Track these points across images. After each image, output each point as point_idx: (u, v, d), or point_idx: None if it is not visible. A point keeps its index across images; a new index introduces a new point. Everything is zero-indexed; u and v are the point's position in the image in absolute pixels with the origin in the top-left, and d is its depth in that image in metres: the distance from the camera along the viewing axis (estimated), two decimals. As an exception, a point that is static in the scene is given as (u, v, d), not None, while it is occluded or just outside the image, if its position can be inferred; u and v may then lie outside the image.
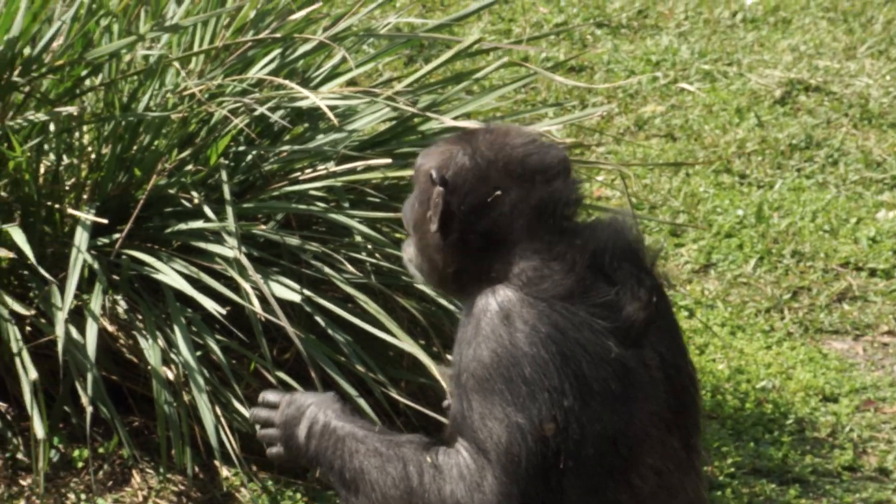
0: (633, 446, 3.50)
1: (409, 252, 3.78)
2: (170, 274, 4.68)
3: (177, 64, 5.00)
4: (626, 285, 3.59)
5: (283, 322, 4.49)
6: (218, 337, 4.76)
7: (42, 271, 4.61)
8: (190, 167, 5.05)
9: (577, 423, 3.44)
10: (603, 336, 3.50)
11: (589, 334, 3.49)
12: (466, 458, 3.57)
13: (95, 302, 4.63)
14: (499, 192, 3.59)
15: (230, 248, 4.66)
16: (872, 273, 6.50)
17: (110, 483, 4.75)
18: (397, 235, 5.11)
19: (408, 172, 5.04)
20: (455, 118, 5.18)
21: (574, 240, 3.59)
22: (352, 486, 3.62)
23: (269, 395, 3.74)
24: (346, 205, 5.01)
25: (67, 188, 4.97)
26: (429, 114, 5.20)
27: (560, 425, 3.44)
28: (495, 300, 3.51)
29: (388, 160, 5.04)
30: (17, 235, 4.62)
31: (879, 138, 7.69)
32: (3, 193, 4.85)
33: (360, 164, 5.04)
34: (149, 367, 4.65)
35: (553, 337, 3.46)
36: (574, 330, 3.48)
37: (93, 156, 5.05)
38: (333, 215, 4.91)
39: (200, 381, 4.60)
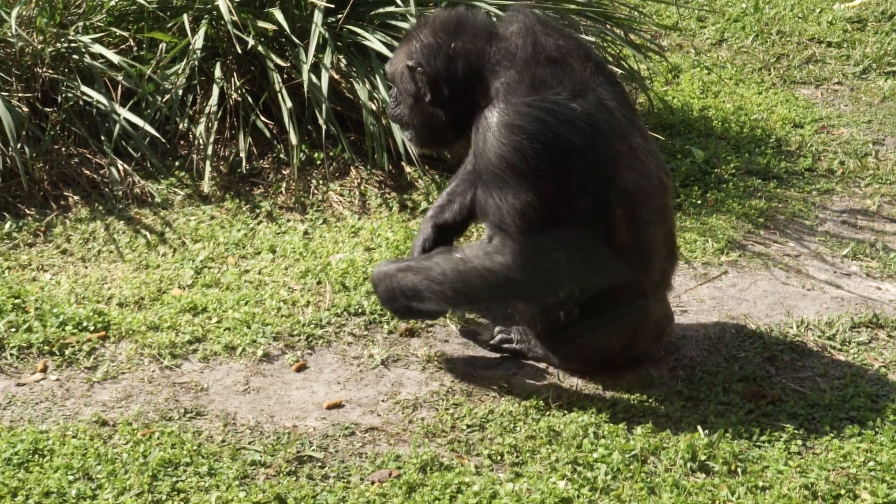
0: (615, 159, 3.37)
1: (409, 136, 3.65)
2: (374, 41, 4.63)
3: None
4: (565, 57, 3.41)
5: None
6: (404, 82, 4.72)
7: (294, 38, 4.62)
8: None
9: (578, 176, 3.31)
10: (570, 102, 3.32)
11: (561, 108, 3.30)
12: (487, 236, 3.43)
13: (327, 59, 4.62)
14: (454, 44, 3.43)
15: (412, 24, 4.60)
16: (829, 45, 6.31)
17: (336, 174, 4.75)
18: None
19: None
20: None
21: (516, 52, 3.39)
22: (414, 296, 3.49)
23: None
24: None
25: None
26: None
27: (566, 186, 3.30)
28: (491, 116, 3.32)
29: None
30: (278, 14, 4.61)
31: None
32: None
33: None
34: (360, 101, 4.65)
35: (538, 128, 3.28)
36: (549, 112, 3.29)
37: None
38: (476, 2, 4.68)
39: (393, 109, 4.60)
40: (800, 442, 3.36)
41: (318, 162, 4.73)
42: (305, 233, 4.39)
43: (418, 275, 3.49)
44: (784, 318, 3.98)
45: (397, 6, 4.71)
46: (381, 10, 4.79)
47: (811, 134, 5.29)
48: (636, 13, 5.60)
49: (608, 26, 5.15)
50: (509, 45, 3.43)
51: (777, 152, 5.10)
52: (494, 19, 3.70)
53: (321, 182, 4.67)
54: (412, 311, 3.58)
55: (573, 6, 5.05)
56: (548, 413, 3.46)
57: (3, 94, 4.34)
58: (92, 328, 3.70)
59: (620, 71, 5.18)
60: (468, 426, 3.41)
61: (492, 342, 3.74)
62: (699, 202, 4.66)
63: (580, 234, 3.35)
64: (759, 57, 6.13)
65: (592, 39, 5.01)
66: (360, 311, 3.91)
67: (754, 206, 4.64)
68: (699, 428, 3.39)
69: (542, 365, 3.69)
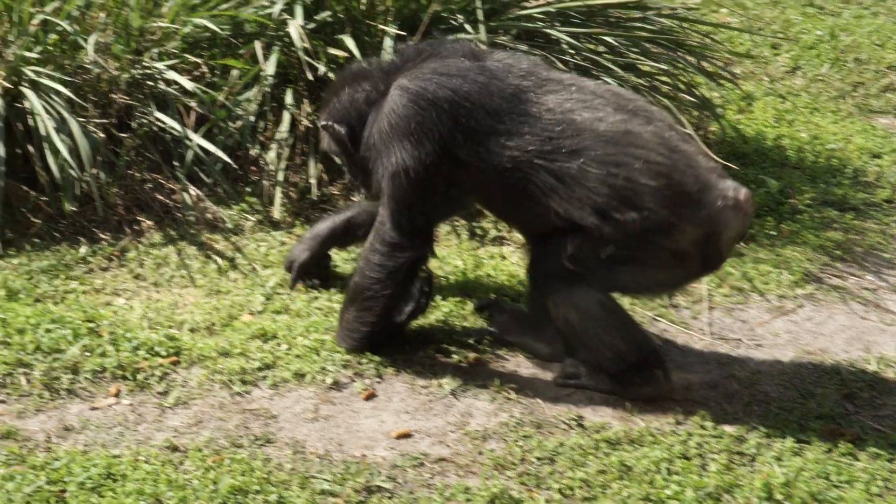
0: (521, 93, 3.49)
1: (363, 193, 3.88)
2: (445, 68, 4.66)
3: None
4: (456, 51, 3.64)
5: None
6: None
7: (365, 65, 4.65)
8: (457, -2, 4.96)
9: (477, 118, 3.46)
10: (460, 61, 3.56)
11: (449, 66, 3.52)
12: (377, 222, 3.61)
13: (398, 86, 4.64)
14: (352, 91, 3.71)
15: None
16: (908, 72, 6.26)
17: None
18: (589, 45, 4.96)
19: (601, 1, 4.93)
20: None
21: (410, 62, 3.65)
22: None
23: None
24: (557, 24, 4.90)
25: (378, 12, 4.91)
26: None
27: (468, 130, 3.45)
28: (391, 94, 3.56)
29: (587, -7, 4.90)
30: (349, 41, 4.65)
31: (917, -18, 7.27)
32: (340, 15, 4.82)
33: (569, -5, 4.92)
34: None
35: (424, 87, 3.48)
36: (436, 72, 3.52)
37: (395, -10, 5.00)
38: (548, 30, 4.79)
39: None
40: (881, 483, 3.29)
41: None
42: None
43: (352, 304, 3.72)
44: (862, 353, 3.91)
45: (467, 33, 4.72)
46: (452, 37, 4.80)
47: (889, 164, 5.22)
48: (708, 40, 5.56)
49: (680, 54, 5.13)
50: (404, 66, 3.67)
51: (854, 183, 5.04)
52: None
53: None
54: (372, 339, 3.76)
55: (645, 34, 5.06)
56: (619, 447, 3.43)
57: (79, 119, 4.42)
58: (164, 353, 3.75)
59: (692, 99, 5.15)
60: (538, 459, 3.38)
61: (559, 377, 3.73)
62: (773, 233, 4.61)
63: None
64: (834, 85, 6.07)
65: (664, 67, 5.01)
66: (429, 339, 3.91)
67: (831, 238, 4.58)
68: (775, 466, 3.35)
69: (613, 397, 3.66)
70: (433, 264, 4.31)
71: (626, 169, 3.37)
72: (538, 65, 3.66)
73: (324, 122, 3.75)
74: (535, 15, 4.93)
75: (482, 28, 4.69)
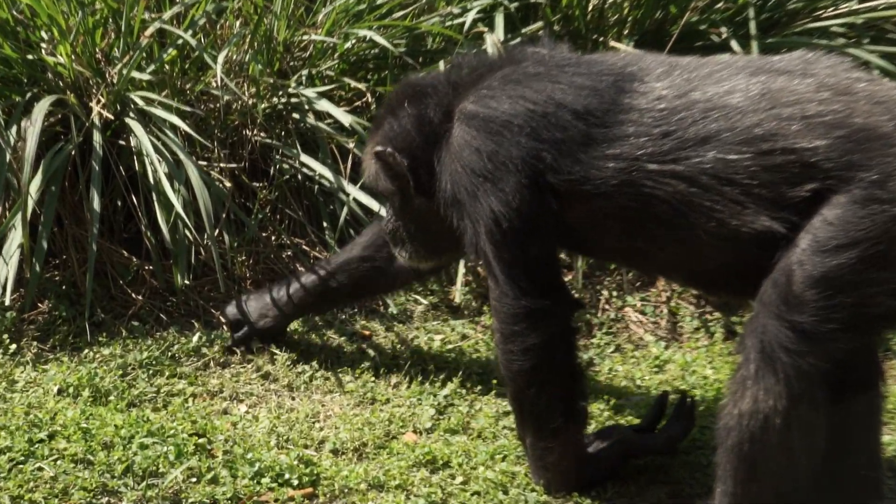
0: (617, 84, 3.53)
1: (407, 253, 3.96)
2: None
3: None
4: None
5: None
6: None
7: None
8: (720, 5, 4.97)
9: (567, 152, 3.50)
10: (553, 58, 3.66)
11: (533, 72, 3.61)
12: (492, 302, 3.66)
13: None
14: (413, 110, 3.75)
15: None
16: None
17: (637, 284, 4.82)
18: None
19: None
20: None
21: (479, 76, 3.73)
22: None
23: None
24: (867, 41, 4.86)
25: (611, 23, 4.94)
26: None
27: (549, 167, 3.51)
28: (457, 125, 3.64)
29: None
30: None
31: None
32: (556, 28, 4.88)
33: (882, 1, 4.87)
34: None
35: (505, 110, 3.55)
36: (515, 83, 3.58)
37: (636, -6, 5.04)
38: (853, 50, 4.69)
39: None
40: None
41: (612, 266, 4.73)
42: (590, 362, 4.41)
43: (523, 422, 3.77)
44: None
45: (733, 53, 4.67)
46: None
47: None
48: None
49: None
50: (474, 79, 3.72)
51: None
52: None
53: (615, 294, 4.71)
54: (578, 463, 3.78)
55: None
56: None
57: (200, 163, 4.52)
58: (296, 482, 3.77)
59: None
60: None
61: None
62: None
63: None
64: None
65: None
66: (662, 475, 3.89)
67: None
68: None
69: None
70: (674, 373, 4.41)
71: (781, 138, 3.35)
72: (650, 52, 3.71)
73: (379, 149, 3.78)
74: (834, 29, 4.93)
75: (755, 45, 4.70)
